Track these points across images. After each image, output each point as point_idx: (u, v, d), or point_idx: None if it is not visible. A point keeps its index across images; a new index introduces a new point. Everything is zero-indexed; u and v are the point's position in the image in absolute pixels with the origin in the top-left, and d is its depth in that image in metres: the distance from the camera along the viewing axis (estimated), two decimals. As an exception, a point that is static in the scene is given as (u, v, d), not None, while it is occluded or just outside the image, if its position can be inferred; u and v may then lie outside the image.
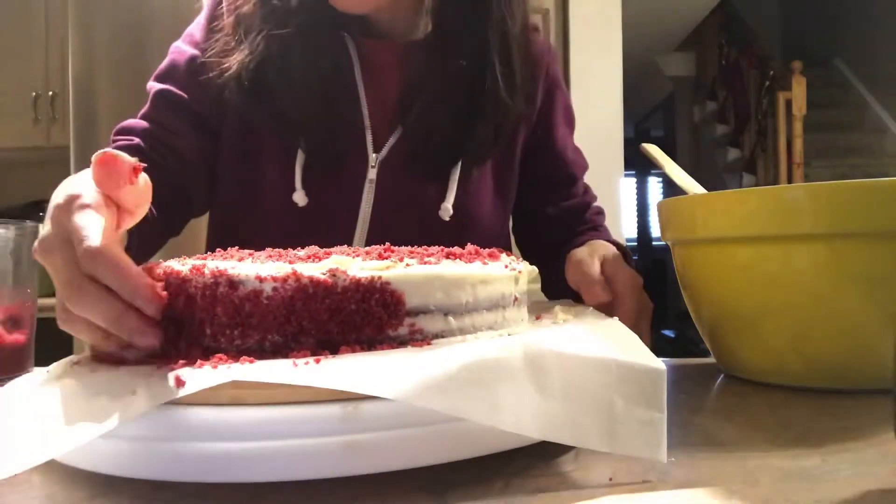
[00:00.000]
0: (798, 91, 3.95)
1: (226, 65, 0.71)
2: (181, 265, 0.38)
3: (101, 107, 1.95)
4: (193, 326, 0.36)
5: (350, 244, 0.70)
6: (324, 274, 0.35)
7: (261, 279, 0.35)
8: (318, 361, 0.32)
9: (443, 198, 0.74)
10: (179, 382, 0.30)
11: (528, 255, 0.86)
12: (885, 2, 4.74)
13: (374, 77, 0.75)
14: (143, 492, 0.31)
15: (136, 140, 0.71)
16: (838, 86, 5.31)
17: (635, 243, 7.49)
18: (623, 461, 0.34)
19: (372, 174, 0.74)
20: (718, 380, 0.55)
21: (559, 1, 2.40)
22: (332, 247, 0.49)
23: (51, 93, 2.41)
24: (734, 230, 0.50)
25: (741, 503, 0.28)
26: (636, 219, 7.90)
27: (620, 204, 2.40)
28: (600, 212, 0.86)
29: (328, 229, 0.72)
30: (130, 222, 0.45)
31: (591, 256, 0.63)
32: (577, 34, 2.38)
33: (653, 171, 7.64)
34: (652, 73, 5.75)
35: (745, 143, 4.86)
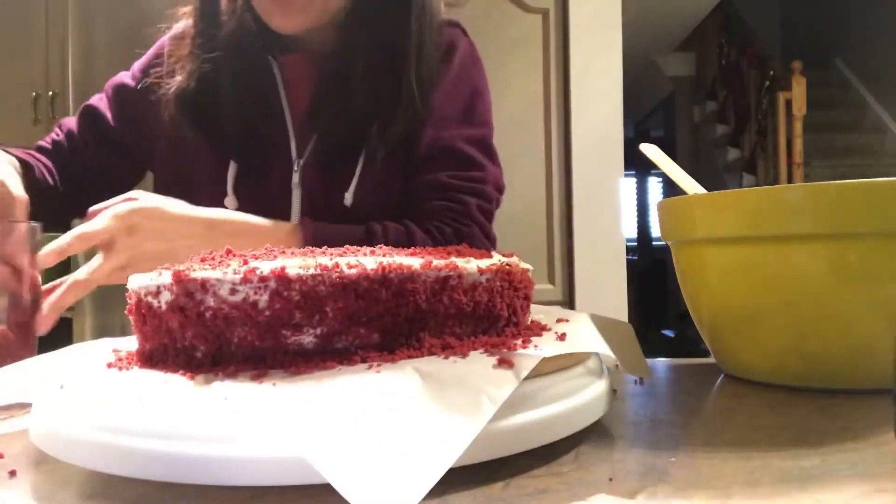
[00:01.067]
0: (798, 91, 3.96)
1: (165, 88, 0.82)
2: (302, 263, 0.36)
3: (101, 107, 1.95)
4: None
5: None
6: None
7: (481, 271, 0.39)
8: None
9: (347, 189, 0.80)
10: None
11: None
12: (885, 2, 4.74)
13: (294, 89, 0.84)
14: (143, 492, 0.30)
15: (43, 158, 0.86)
16: (838, 86, 5.31)
17: (635, 243, 7.49)
18: (623, 461, 0.34)
19: (296, 178, 0.81)
20: (718, 380, 0.55)
21: (559, 1, 2.40)
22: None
23: (51, 93, 2.41)
24: (734, 230, 0.50)
25: (741, 503, 0.28)
26: (636, 219, 7.90)
27: (620, 204, 2.40)
28: (466, 214, 0.81)
29: None
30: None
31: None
32: (577, 34, 2.38)
33: (653, 171, 7.63)
34: (652, 73, 5.76)
35: (745, 143, 4.87)
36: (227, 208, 0.78)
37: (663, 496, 0.29)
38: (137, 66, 0.91)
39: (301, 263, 0.35)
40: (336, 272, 0.35)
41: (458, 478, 0.31)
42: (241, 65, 0.81)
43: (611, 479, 0.31)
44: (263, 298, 0.34)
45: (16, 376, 0.39)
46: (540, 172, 2.41)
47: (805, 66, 4.05)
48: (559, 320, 0.46)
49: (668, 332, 6.03)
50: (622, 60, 2.42)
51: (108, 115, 0.88)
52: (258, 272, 0.34)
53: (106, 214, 0.63)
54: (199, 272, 0.35)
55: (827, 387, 0.49)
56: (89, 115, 0.88)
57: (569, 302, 2.39)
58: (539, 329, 0.43)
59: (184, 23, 0.87)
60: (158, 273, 0.38)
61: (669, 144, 6.02)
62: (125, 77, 0.90)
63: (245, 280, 0.34)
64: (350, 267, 0.35)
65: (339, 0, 0.78)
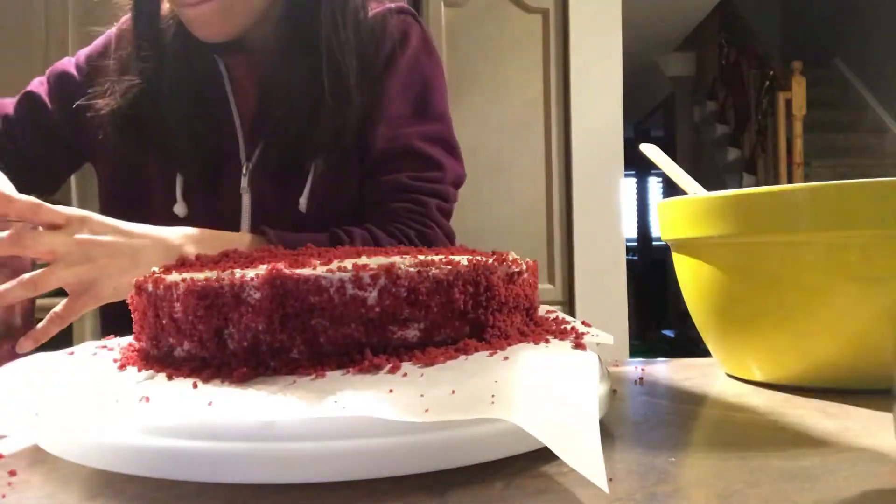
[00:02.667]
0: (798, 91, 3.96)
1: (99, 107, 0.78)
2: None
3: (101, 107, 1.95)
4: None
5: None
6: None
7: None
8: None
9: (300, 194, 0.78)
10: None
11: None
12: (885, 2, 4.74)
13: (241, 91, 0.82)
14: (143, 491, 0.31)
15: None
16: (838, 86, 5.31)
17: (635, 243, 7.49)
18: (623, 461, 0.34)
19: (244, 182, 0.80)
20: (718, 380, 0.55)
21: (559, 1, 2.40)
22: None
23: (51, 93, 2.41)
24: (734, 230, 0.50)
25: (741, 503, 0.28)
26: (636, 219, 7.90)
27: (620, 204, 2.40)
28: (410, 189, 0.80)
29: None
30: None
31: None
32: (577, 34, 2.38)
33: (653, 171, 7.63)
34: (652, 73, 5.76)
35: (745, 143, 4.87)
36: (176, 215, 0.78)
37: (663, 496, 0.29)
38: (83, 54, 0.87)
39: (399, 261, 0.38)
40: (436, 268, 0.37)
41: (458, 478, 0.31)
42: (188, 66, 0.78)
43: (611, 480, 0.31)
44: (373, 295, 0.35)
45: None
46: (540, 172, 2.41)
47: (805, 66, 4.05)
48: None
49: (668, 332, 6.03)
50: (622, 60, 2.42)
51: (48, 102, 0.84)
52: (368, 270, 0.36)
53: (60, 242, 0.57)
54: (300, 270, 0.36)
55: (827, 387, 0.49)
56: (28, 102, 0.84)
57: (569, 302, 2.39)
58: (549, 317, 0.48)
59: (126, 18, 0.83)
60: (230, 271, 0.37)
61: (669, 144, 6.02)
62: (69, 65, 0.86)
63: (356, 278, 0.35)
64: (444, 264, 0.38)
65: (260, 2, 0.75)
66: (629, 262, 2.53)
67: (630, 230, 7.56)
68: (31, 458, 0.36)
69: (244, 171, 0.80)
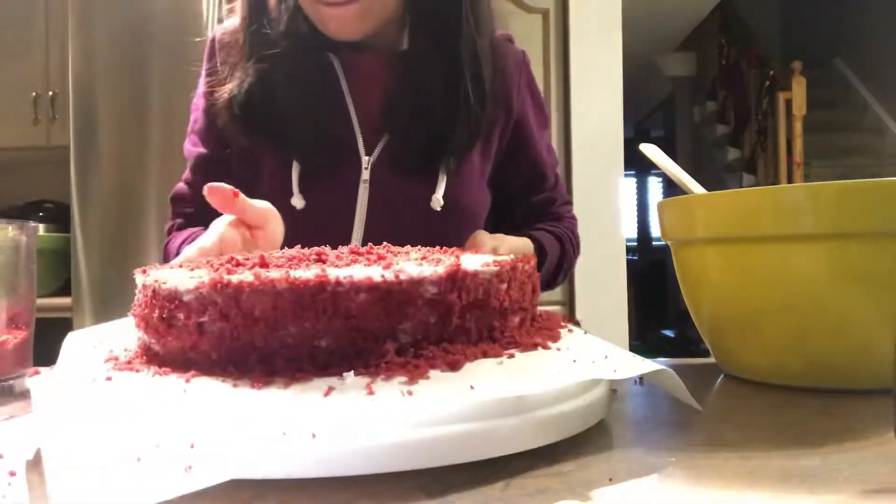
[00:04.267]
0: (798, 91, 3.96)
1: (217, 95, 0.80)
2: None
3: (101, 107, 1.95)
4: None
5: (349, 242, 0.74)
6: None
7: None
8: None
9: (432, 191, 0.80)
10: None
11: None
12: (885, 2, 4.74)
13: (359, 87, 0.83)
14: (142, 492, 0.30)
15: (190, 209, 0.85)
16: (838, 86, 5.31)
17: (635, 243, 7.49)
18: (623, 461, 0.34)
19: (365, 175, 0.80)
20: (718, 380, 0.55)
21: (559, 1, 2.40)
22: (335, 246, 0.51)
23: (51, 93, 2.41)
24: (734, 230, 0.50)
25: (741, 503, 0.28)
26: (636, 219, 7.90)
27: (620, 204, 2.40)
28: (567, 202, 0.95)
29: (327, 230, 0.77)
30: (270, 236, 0.62)
31: (492, 241, 0.69)
32: (577, 34, 2.38)
33: (653, 171, 7.63)
34: (652, 73, 5.75)
35: (745, 143, 4.87)
36: (293, 207, 0.78)
37: (663, 496, 0.29)
38: (201, 83, 0.87)
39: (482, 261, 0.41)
40: (511, 265, 0.42)
41: (459, 478, 0.31)
42: (299, 63, 0.79)
43: (611, 480, 0.31)
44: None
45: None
46: (540, 172, 2.41)
47: (805, 66, 4.05)
48: None
49: (668, 332, 6.02)
50: (622, 60, 2.42)
51: (206, 149, 0.85)
52: (461, 270, 0.38)
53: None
54: (412, 268, 0.38)
55: (827, 387, 0.49)
56: (199, 166, 0.85)
57: (569, 302, 2.38)
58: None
59: (232, 22, 0.84)
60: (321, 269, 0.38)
61: (669, 144, 6.02)
62: (199, 102, 0.87)
63: (450, 276, 0.38)
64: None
65: (393, 4, 0.77)
66: (629, 262, 2.53)
67: (630, 230, 7.56)
68: (31, 458, 0.36)
69: (365, 164, 0.80)
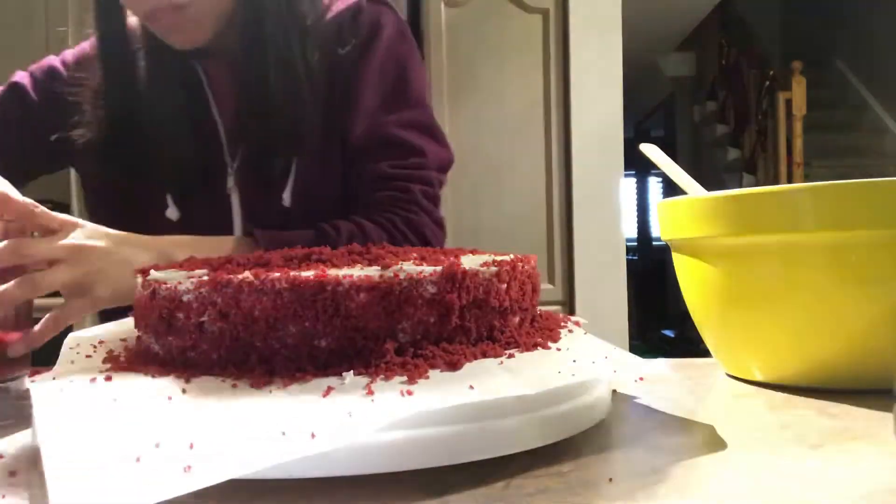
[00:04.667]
0: (798, 91, 3.96)
1: (74, 138, 0.78)
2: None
3: (101, 107, 1.95)
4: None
5: None
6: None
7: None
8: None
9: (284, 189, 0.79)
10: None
11: None
12: (885, 2, 4.74)
13: (220, 94, 0.83)
14: (142, 492, 0.30)
15: None
16: (838, 86, 5.31)
17: (635, 243, 7.49)
18: (623, 461, 0.34)
19: (230, 182, 0.81)
20: (718, 380, 0.55)
21: (559, 1, 2.40)
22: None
23: (51, 93, 2.41)
24: (734, 230, 0.50)
25: (741, 503, 0.28)
26: (636, 219, 7.90)
27: (620, 204, 2.40)
28: (393, 177, 0.80)
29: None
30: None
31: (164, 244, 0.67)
32: (577, 34, 2.38)
33: (653, 171, 7.63)
34: (652, 73, 5.76)
35: (745, 143, 4.87)
36: (168, 219, 0.78)
37: (663, 496, 0.29)
38: (70, 55, 0.86)
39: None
40: (510, 265, 0.42)
41: (458, 478, 0.31)
42: (167, 75, 0.79)
43: (611, 480, 0.31)
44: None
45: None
46: (540, 172, 2.41)
47: (805, 66, 4.05)
48: None
49: (668, 332, 6.03)
50: (622, 60, 2.42)
51: (34, 95, 0.83)
52: (460, 269, 0.38)
53: (59, 247, 0.58)
54: (411, 268, 0.38)
55: (827, 387, 0.49)
56: (13, 93, 0.84)
57: (569, 302, 2.39)
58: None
59: (81, 49, 0.83)
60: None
61: (669, 144, 6.02)
62: (55, 60, 0.86)
63: (449, 275, 0.38)
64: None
65: (224, 3, 0.76)
66: (629, 262, 2.53)
67: (630, 230, 7.56)
68: (31, 458, 0.36)
69: (229, 170, 0.81)
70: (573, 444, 0.36)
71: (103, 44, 0.79)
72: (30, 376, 0.54)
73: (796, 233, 0.47)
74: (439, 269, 0.38)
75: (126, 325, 0.49)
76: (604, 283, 2.38)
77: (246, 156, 0.81)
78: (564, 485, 0.31)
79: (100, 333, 0.49)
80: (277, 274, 0.36)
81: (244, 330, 0.36)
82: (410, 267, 0.38)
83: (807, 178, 4.14)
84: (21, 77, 0.85)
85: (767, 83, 4.43)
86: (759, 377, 0.53)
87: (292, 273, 0.36)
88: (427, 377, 0.34)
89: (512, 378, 0.34)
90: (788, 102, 4.01)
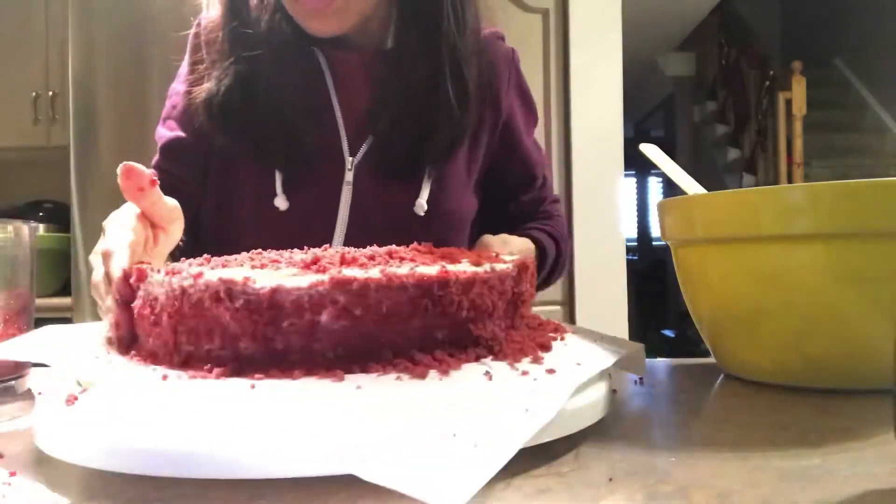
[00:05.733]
0: (798, 91, 3.96)
1: (194, 94, 0.77)
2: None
3: (101, 107, 1.95)
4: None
5: (330, 244, 0.72)
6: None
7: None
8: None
9: (415, 195, 0.78)
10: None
11: None
12: (885, 2, 4.74)
13: (345, 86, 0.80)
14: (143, 491, 0.30)
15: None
16: (838, 86, 5.31)
17: (635, 243, 7.49)
18: (623, 461, 0.34)
19: (349, 177, 0.78)
20: (718, 380, 0.55)
21: (559, 1, 2.40)
22: (315, 247, 0.51)
23: (51, 93, 2.41)
24: (734, 230, 0.50)
25: (741, 503, 0.28)
26: (636, 219, 7.90)
27: (620, 204, 2.40)
28: (556, 200, 0.95)
29: (307, 232, 0.74)
30: (168, 240, 0.57)
31: (501, 244, 0.69)
32: (577, 34, 2.38)
33: (653, 171, 7.63)
34: (652, 73, 5.75)
35: (745, 143, 4.87)
36: (276, 207, 0.76)
37: (663, 496, 0.29)
38: (183, 72, 0.84)
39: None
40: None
41: (458, 478, 0.31)
42: (284, 61, 0.77)
43: (611, 479, 0.31)
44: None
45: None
46: (540, 172, 2.41)
47: (805, 66, 4.05)
48: None
49: (668, 332, 6.02)
50: (622, 60, 2.42)
51: (184, 133, 0.81)
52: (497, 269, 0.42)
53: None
54: (462, 268, 0.40)
55: (827, 387, 0.49)
56: (171, 149, 0.82)
57: (569, 302, 2.38)
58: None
59: (214, 13, 0.80)
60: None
61: (669, 144, 6.02)
62: (179, 88, 0.83)
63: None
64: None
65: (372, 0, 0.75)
66: (629, 262, 2.53)
67: (630, 230, 7.55)
68: (31, 458, 0.36)
69: (349, 165, 0.78)
70: (573, 444, 0.36)
71: (228, 15, 0.77)
72: (26, 374, 0.54)
73: (796, 233, 0.47)
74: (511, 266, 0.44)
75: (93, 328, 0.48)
76: (604, 283, 2.38)
77: (375, 153, 0.78)
78: (564, 485, 0.31)
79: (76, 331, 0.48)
80: (404, 270, 0.38)
81: (372, 326, 0.37)
82: (499, 265, 0.43)
83: (807, 178, 4.14)
84: (164, 131, 0.83)
85: (767, 83, 4.43)
86: (759, 377, 0.53)
87: (417, 270, 0.38)
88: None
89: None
90: (788, 102, 4.01)
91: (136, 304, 0.41)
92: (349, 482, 0.30)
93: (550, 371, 0.37)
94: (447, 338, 0.38)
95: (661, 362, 0.65)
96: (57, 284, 2.25)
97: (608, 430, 0.40)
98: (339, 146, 0.78)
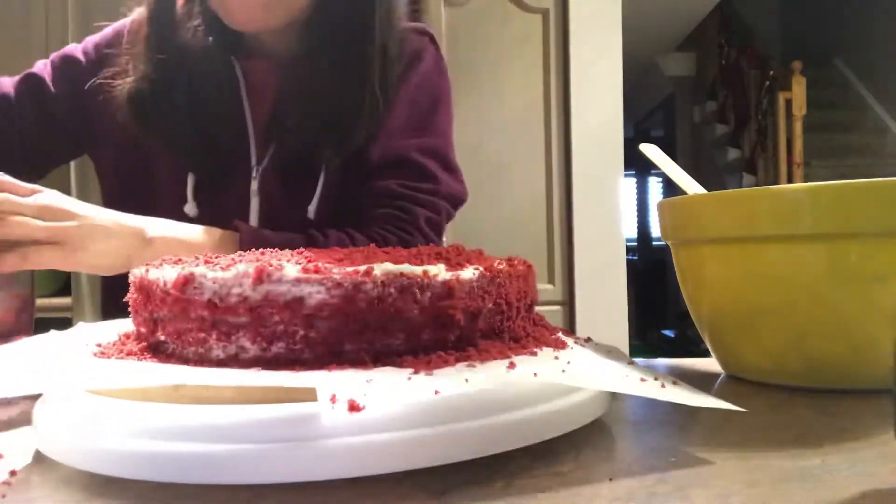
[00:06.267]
0: (798, 91, 3.96)
1: (117, 88, 0.77)
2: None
3: (101, 107, 1.95)
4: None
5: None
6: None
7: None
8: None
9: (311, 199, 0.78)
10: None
11: None
12: (885, 2, 4.74)
13: (257, 95, 0.81)
14: (143, 492, 0.30)
15: None
16: (838, 86, 5.31)
17: (635, 243, 7.49)
18: (623, 461, 0.34)
19: (254, 185, 0.79)
20: (718, 380, 0.55)
21: (559, 1, 2.40)
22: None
23: (51, 93, 2.41)
24: (734, 230, 0.50)
25: (741, 503, 0.28)
26: (636, 219, 7.90)
27: (620, 204, 2.40)
28: (399, 196, 0.80)
29: None
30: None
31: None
32: (577, 34, 2.38)
33: (653, 171, 7.63)
34: (652, 73, 5.76)
35: (745, 143, 4.87)
36: (186, 214, 0.77)
37: (663, 496, 0.29)
38: (91, 42, 0.86)
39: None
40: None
41: (458, 477, 0.31)
42: (201, 67, 0.78)
43: (611, 479, 0.31)
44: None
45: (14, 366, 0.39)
46: (540, 172, 2.41)
47: (805, 66, 4.05)
48: None
49: (668, 332, 6.02)
50: (622, 60, 2.42)
51: (52, 85, 0.83)
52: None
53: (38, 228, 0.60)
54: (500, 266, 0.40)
55: (827, 387, 0.49)
56: (30, 83, 0.83)
57: (569, 302, 2.38)
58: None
59: (140, 11, 0.82)
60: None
61: (669, 144, 6.02)
62: (75, 50, 0.85)
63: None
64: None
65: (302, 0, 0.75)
66: (629, 262, 2.53)
67: (630, 230, 7.56)
68: (30, 459, 0.36)
69: (254, 173, 0.80)
70: (573, 444, 0.36)
71: (153, 18, 0.78)
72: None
73: (796, 233, 0.47)
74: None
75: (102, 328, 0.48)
76: (604, 283, 2.38)
77: (277, 160, 0.79)
78: (564, 485, 0.31)
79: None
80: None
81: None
82: (502, 266, 0.42)
83: (807, 178, 4.14)
84: (38, 67, 0.85)
85: (767, 83, 4.43)
86: (759, 377, 0.53)
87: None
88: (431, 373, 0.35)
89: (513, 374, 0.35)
90: (788, 102, 4.01)
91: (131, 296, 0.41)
92: (349, 482, 0.30)
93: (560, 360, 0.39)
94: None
95: (661, 362, 0.65)
96: (57, 284, 2.25)
97: (608, 430, 0.40)
98: (248, 155, 0.80)
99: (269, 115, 0.80)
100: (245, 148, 0.80)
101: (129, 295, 0.41)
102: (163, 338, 0.38)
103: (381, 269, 0.36)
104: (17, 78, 0.84)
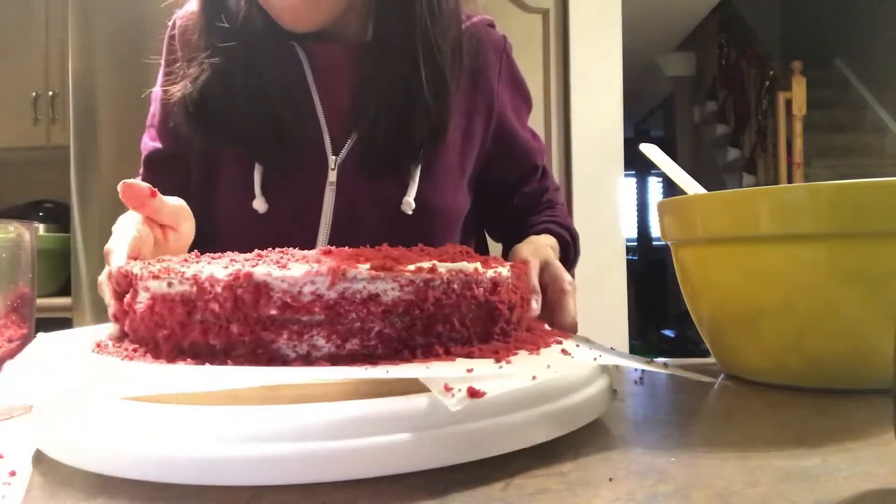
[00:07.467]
0: (798, 91, 3.96)
1: (170, 94, 0.75)
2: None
3: (101, 107, 1.95)
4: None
5: (312, 246, 0.69)
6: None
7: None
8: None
9: (403, 192, 0.75)
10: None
11: (491, 236, 0.94)
12: (885, 2, 4.74)
13: (326, 81, 0.77)
14: (143, 492, 0.30)
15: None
16: (838, 86, 5.31)
17: (635, 243, 7.49)
18: (623, 461, 0.34)
19: (332, 176, 0.75)
20: (718, 380, 0.55)
21: (559, 1, 2.40)
22: (297, 250, 0.50)
23: (51, 93, 2.41)
24: (734, 230, 0.50)
25: (741, 503, 0.28)
26: (636, 219, 7.90)
27: (620, 204, 2.40)
28: (556, 188, 0.93)
29: (289, 234, 0.71)
30: (180, 238, 0.61)
31: (533, 257, 0.65)
32: (577, 34, 2.38)
33: (653, 171, 7.63)
34: (652, 73, 5.76)
35: (745, 143, 4.87)
36: (255, 211, 0.74)
37: (663, 496, 0.29)
38: (161, 73, 0.83)
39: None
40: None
41: (458, 478, 0.31)
42: (260, 54, 0.74)
43: (611, 479, 0.31)
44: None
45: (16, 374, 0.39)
46: (540, 172, 2.41)
47: (805, 66, 4.05)
48: None
49: (668, 332, 6.02)
50: (622, 60, 2.42)
51: (161, 145, 0.81)
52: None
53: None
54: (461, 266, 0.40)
55: (827, 387, 0.49)
56: (153, 161, 0.82)
57: (569, 302, 2.38)
58: None
59: (191, 8, 0.78)
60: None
61: (669, 144, 6.01)
62: (158, 92, 0.82)
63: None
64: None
65: None
66: (629, 262, 2.53)
67: (630, 230, 7.55)
68: (31, 459, 0.36)
69: (332, 165, 0.75)
70: (573, 444, 0.36)
71: (204, 9, 0.75)
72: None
73: (796, 233, 0.47)
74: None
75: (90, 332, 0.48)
76: (604, 283, 2.38)
77: (360, 151, 0.75)
78: (564, 485, 0.31)
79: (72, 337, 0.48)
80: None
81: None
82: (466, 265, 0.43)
83: (807, 178, 4.14)
84: (146, 142, 0.83)
85: (767, 83, 4.43)
86: (759, 377, 0.53)
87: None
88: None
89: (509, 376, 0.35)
90: (788, 102, 4.01)
91: (126, 298, 0.41)
92: (349, 482, 0.30)
93: (565, 352, 0.40)
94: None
95: (661, 363, 0.65)
96: (57, 284, 2.25)
97: (608, 430, 0.40)
98: (322, 145, 0.75)
99: (347, 103, 0.76)
100: (317, 136, 0.76)
101: (139, 301, 0.40)
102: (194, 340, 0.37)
103: (444, 266, 0.38)
104: (141, 167, 0.83)
